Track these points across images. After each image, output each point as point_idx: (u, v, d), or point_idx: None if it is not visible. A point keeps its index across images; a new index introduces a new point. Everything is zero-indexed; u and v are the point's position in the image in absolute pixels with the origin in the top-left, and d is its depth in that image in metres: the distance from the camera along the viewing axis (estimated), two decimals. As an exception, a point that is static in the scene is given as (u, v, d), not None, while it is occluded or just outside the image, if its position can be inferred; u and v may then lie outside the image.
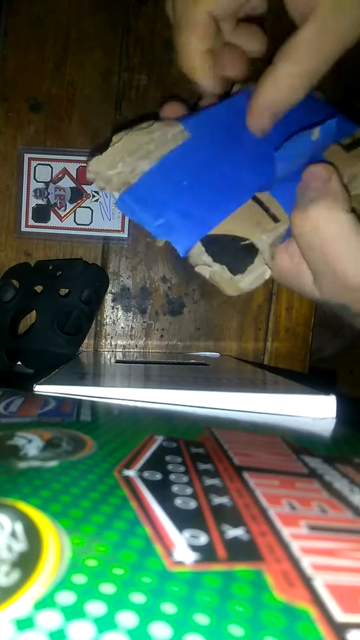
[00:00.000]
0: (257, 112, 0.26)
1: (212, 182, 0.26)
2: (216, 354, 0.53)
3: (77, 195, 0.53)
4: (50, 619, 0.08)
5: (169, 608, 0.08)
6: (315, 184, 0.23)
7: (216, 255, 0.25)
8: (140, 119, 0.26)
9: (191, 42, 0.26)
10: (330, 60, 0.24)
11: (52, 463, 0.15)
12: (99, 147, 0.34)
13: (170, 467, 0.15)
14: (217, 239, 0.25)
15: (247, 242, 0.25)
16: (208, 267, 0.25)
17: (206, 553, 0.10)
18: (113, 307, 0.55)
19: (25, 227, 0.54)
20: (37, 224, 0.54)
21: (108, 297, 0.55)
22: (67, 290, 0.49)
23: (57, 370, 0.33)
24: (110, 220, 0.53)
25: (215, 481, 0.14)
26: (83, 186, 0.53)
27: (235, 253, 0.25)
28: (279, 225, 0.26)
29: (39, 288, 0.49)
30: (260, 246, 0.26)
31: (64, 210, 0.53)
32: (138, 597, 0.09)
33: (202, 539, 0.11)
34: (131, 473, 0.14)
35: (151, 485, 0.13)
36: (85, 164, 0.53)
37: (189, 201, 0.25)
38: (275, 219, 0.26)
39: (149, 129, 0.26)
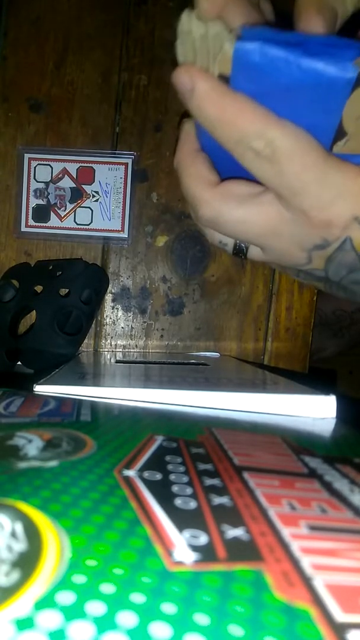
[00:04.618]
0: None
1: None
2: (216, 354, 0.53)
3: (77, 195, 0.53)
4: (50, 619, 0.08)
5: (169, 608, 0.08)
6: None
7: None
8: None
9: None
10: None
11: (52, 463, 0.15)
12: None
13: (170, 467, 0.15)
14: None
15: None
16: None
17: (206, 553, 0.10)
18: (113, 307, 0.55)
19: (25, 227, 0.54)
20: (37, 224, 0.54)
21: (108, 297, 0.55)
22: (67, 290, 0.49)
23: (57, 370, 0.33)
24: (110, 220, 0.53)
25: (215, 481, 0.14)
26: (83, 186, 0.53)
27: None
28: None
29: (39, 288, 0.49)
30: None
31: (64, 210, 0.53)
32: (138, 597, 0.09)
33: (202, 539, 0.11)
34: (131, 473, 0.14)
35: (151, 485, 0.13)
36: (85, 164, 0.53)
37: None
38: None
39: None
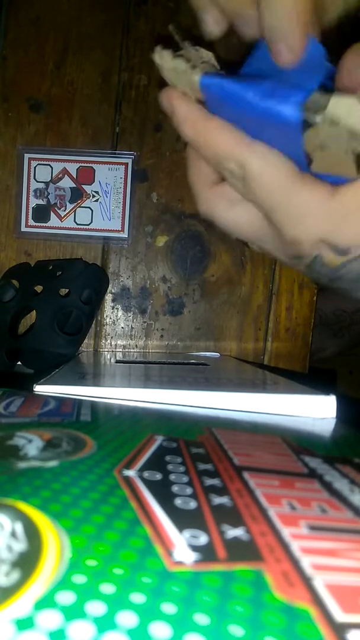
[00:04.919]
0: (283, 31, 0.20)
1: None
2: (216, 354, 0.53)
3: (77, 195, 0.53)
4: (50, 619, 0.08)
5: (169, 608, 0.08)
6: None
7: None
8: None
9: None
10: None
11: (52, 463, 0.15)
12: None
13: (170, 467, 0.15)
14: None
15: None
16: None
17: (206, 553, 0.10)
18: (113, 307, 0.55)
19: (25, 227, 0.54)
20: (37, 224, 0.54)
21: (108, 297, 0.55)
22: (67, 290, 0.49)
23: (57, 370, 0.33)
24: (110, 220, 0.53)
25: (215, 481, 0.14)
26: (83, 186, 0.53)
27: None
28: None
29: (39, 288, 0.49)
30: None
31: (64, 210, 0.53)
32: (138, 597, 0.09)
33: (202, 539, 0.11)
34: (131, 473, 0.14)
35: (151, 485, 0.13)
36: (85, 164, 0.53)
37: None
38: None
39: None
